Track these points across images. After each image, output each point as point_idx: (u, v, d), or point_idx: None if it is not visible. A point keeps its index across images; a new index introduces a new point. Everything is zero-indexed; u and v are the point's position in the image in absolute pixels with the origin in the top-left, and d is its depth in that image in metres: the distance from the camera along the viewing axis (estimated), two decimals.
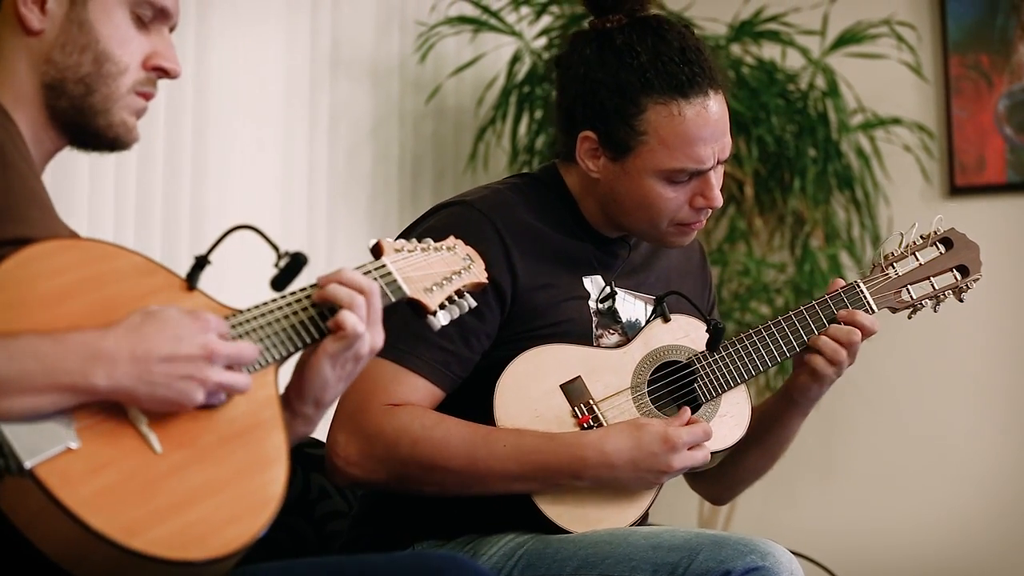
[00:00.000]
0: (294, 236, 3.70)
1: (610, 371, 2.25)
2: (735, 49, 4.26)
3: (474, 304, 1.92)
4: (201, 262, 1.68)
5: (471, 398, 2.19)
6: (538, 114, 4.19)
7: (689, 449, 2.18)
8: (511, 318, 2.22)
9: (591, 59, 2.25)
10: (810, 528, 4.28)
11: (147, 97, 1.81)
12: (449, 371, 2.18)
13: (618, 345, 2.29)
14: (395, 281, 1.82)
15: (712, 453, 2.23)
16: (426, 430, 2.14)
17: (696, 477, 2.51)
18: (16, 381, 1.46)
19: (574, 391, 2.22)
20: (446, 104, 4.30)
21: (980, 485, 4.28)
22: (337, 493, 2.42)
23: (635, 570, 2.05)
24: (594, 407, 2.22)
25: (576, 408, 2.21)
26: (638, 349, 2.28)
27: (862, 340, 2.28)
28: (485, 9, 4.19)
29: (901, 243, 2.37)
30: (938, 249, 2.38)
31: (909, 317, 2.39)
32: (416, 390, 2.16)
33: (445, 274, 1.90)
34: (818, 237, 4.26)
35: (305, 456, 2.36)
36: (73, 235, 1.76)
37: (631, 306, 2.35)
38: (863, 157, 4.27)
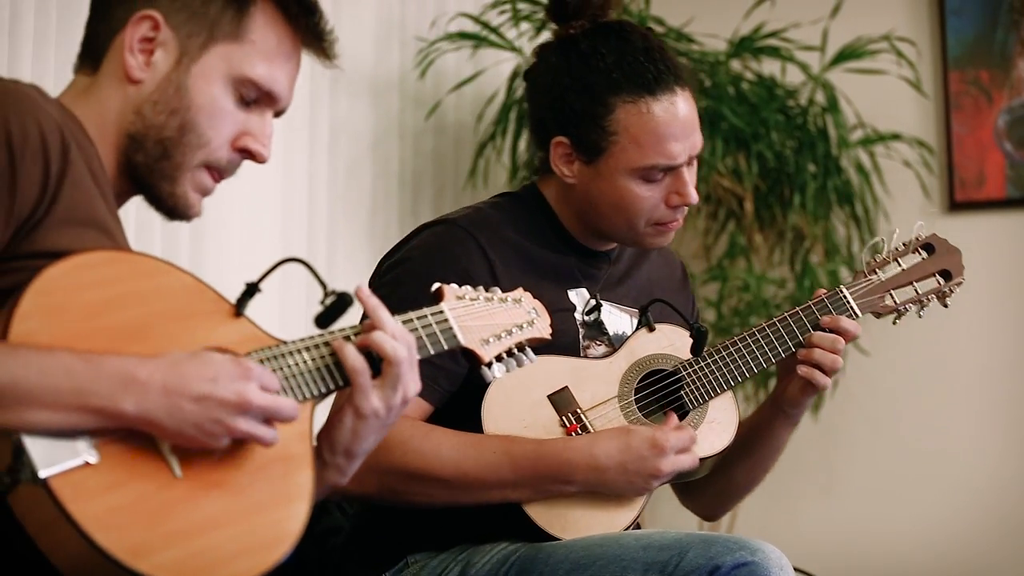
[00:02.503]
0: (294, 251, 3.69)
1: (597, 380, 2.26)
2: (735, 65, 4.27)
3: (534, 360, 1.91)
4: (251, 289, 1.68)
5: (459, 412, 2.20)
6: None
7: (677, 453, 2.19)
8: None
9: (557, 66, 2.29)
10: (811, 542, 4.26)
11: (218, 177, 1.79)
12: (438, 385, 2.19)
13: (604, 356, 2.31)
14: (451, 328, 1.81)
15: (701, 459, 2.24)
16: (416, 439, 2.15)
17: (687, 493, 2.52)
18: (44, 396, 1.46)
19: (562, 401, 2.23)
20: (446, 120, 4.30)
21: (980, 498, 4.27)
22: (336, 509, 2.41)
23: (626, 570, 2.06)
24: (582, 416, 2.23)
25: (564, 417, 2.22)
26: (624, 358, 2.30)
27: (845, 344, 2.31)
28: (485, 25, 4.19)
29: (883, 249, 2.39)
30: (920, 255, 2.40)
31: (894, 322, 2.41)
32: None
33: (506, 326, 1.89)
34: (818, 253, 4.26)
35: None
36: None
37: (616, 319, 2.37)
38: (863, 173, 4.27)
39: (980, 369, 4.34)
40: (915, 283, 2.40)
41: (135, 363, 1.51)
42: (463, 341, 1.82)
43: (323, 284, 1.71)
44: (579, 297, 2.34)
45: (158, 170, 1.75)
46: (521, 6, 4.22)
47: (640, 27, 2.32)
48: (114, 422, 1.50)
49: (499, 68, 4.32)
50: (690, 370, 2.30)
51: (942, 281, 2.41)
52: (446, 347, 1.80)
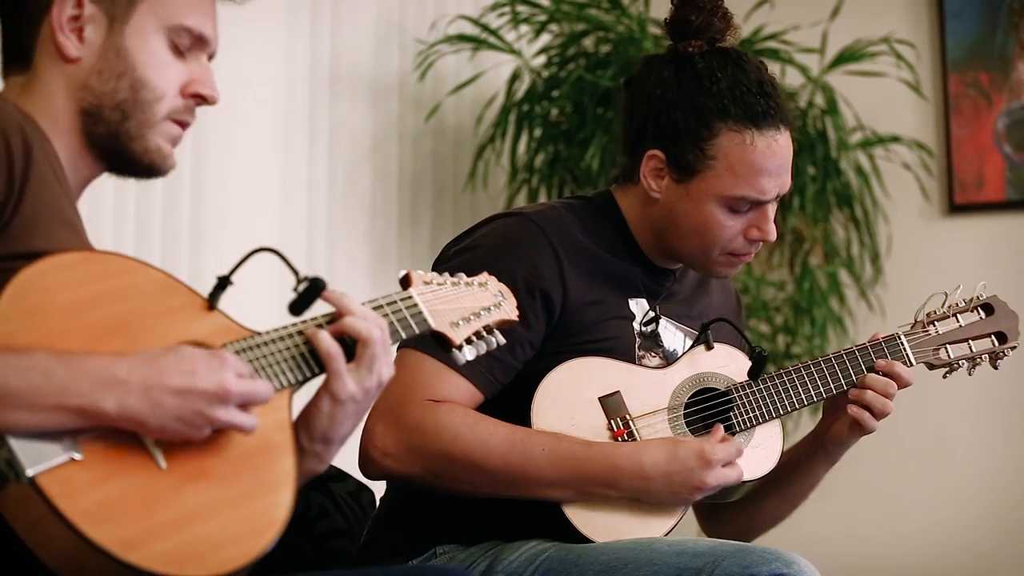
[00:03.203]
0: (293, 253, 3.67)
1: (649, 390, 2.27)
2: None
3: (503, 342, 1.93)
4: (223, 282, 1.69)
5: (509, 404, 2.21)
6: (537, 132, 4.19)
7: (723, 467, 2.20)
8: (557, 330, 2.25)
9: (669, 81, 2.29)
10: (809, 543, 4.25)
11: (183, 125, 1.82)
12: (492, 376, 2.20)
13: (660, 367, 2.32)
14: (420, 313, 1.82)
15: (742, 481, 2.25)
16: (467, 427, 2.16)
17: (711, 518, 2.52)
18: (24, 397, 1.47)
19: (612, 405, 2.24)
20: (445, 122, 4.30)
21: (979, 499, 4.27)
22: (337, 511, 2.41)
23: (658, 574, 2.06)
24: (630, 422, 2.24)
25: (612, 421, 2.23)
26: (679, 372, 2.31)
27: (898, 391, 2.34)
28: (484, 27, 4.19)
29: (944, 303, 2.41)
30: (979, 314, 2.42)
31: (944, 376, 2.43)
32: (458, 390, 2.18)
33: (474, 309, 1.90)
34: (817, 255, 4.26)
35: None
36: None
37: (672, 335, 2.38)
38: (862, 175, 4.27)
39: (979, 370, 4.33)
40: (970, 341, 2.42)
41: (114, 361, 1.52)
42: (433, 325, 1.83)
43: (295, 271, 1.72)
44: (639, 307, 2.34)
45: (123, 133, 1.78)
46: (520, 8, 4.22)
47: (756, 59, 2.35)
48: (96, 421, 1.50)
49: (498, 70, 4.32)
50: (742, 393, 2.31)
51: (997, 343, 2.42)
52: (417, 331, 1.81)
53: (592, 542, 2.17)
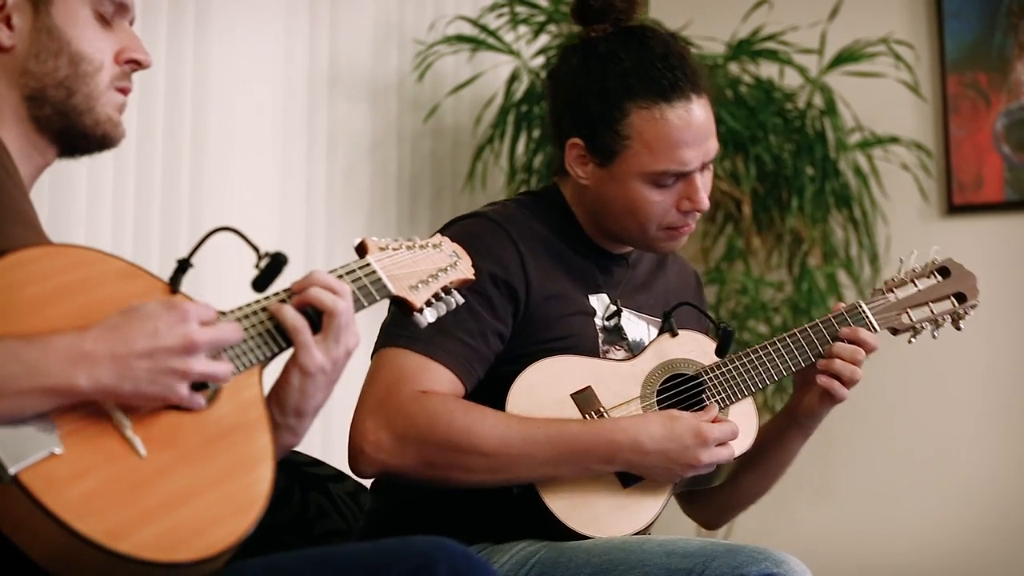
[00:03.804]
0: (292, 254, 3.68)
1: (620, 382, 2.28)
2: (733, 68, 4.27)
3: (461, 301, 1.93)
4: (183, 265, 1.70)
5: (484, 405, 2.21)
6: (536, 133, 4.19)
7: (717, 446, 2.22)
8: (522, 326, 2.25)
9: (577, 68, 2.31)
10: (807, 544, 4.26)
11: (125, 92, 1.84)
12: (471, 366, 2.21)
13: (627, 359, 2.33)
14: (380, 280, 1.83)
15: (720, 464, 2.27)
16: (460, 412, 2.17)
17: (692, 501, 2.53)
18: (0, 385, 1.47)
19: (584, 400, 2.25)
20: (444, 123, 4.30)
21: (977, 500, 4.27)
22: (335, 511, 2.41)
23: (648, 575, 2.06)
24: (604, 414, 2.25)
25: (587, 415, 2.24)
26: (647, 362, 2.32)
27: (865, 356, 2.34)
28: (483, 28, 4.19)
29: (900, 270, 2.44)
30: (936, 278, 2.45)
31: (910, 341, 2.44)
32: (442, 381, 2.19)
33: (431, 271, 1.91)
34: (816, 256, 4.26)
35: (304, 475, 2.36)
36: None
37: (635, 326, 2.39)
38: (861, 176, 4.27)
39: (978, 371, 4.34)
40: (931, 304, 2.44)
41: (79, 337, 1.52)
42: (393, 290, 1.84)
43: (255, 248, 1.73)
44: (599, 302, 2.36)
45: (72, 109, 1.79)
46: (519, 9, 4.22)
47: (664, 32, 2.34)
48: (70, 398, 1.51)
49: (497, 71, 4.33)
50: (712, 375, 2.32)
51: (956, 303, 2.44)
52: (378, 298, 1.82)
53: (578, 534, 2.18)
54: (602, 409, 2.24)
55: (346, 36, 3.98)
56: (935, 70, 4.41)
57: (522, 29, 4.25)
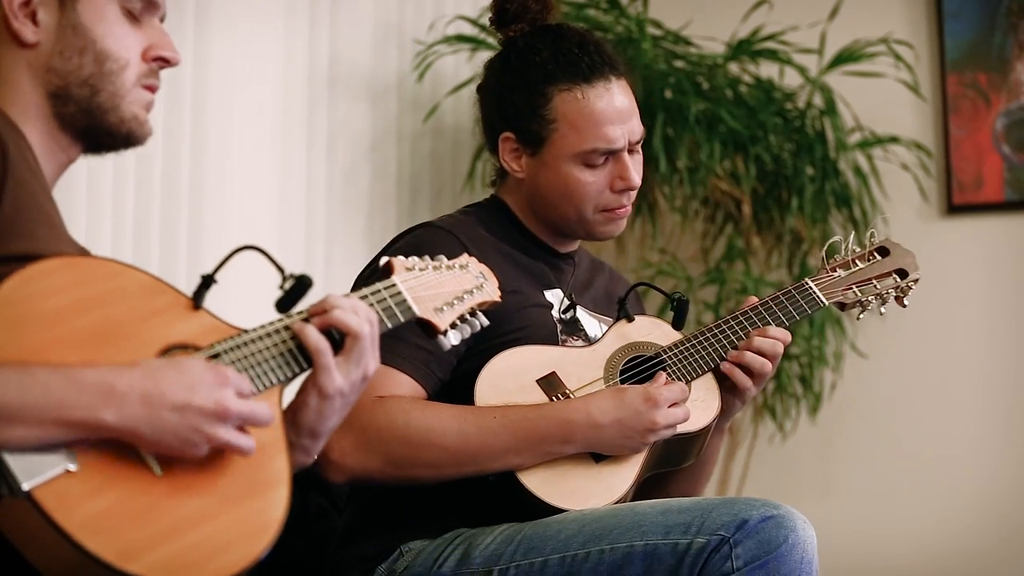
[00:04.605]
0: (291, 254, 3.69)
1: (582, 366, 2.33)
2: (733, 67, 4.26)
3: (487, 323, 1.94)
4: (207, 281, 1.69)
5: (449, 402, 2.24)
6: None
7: (670, 407, 2.26)
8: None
9: (499, 67, 2.44)
10: None
11: (152, 89, 1.82)
12: (429, 369, 2.25)
13: (586, 346, 2.38)
14: (405, 301, 1.82)
15: (688, 434, 2.31)
16: (417, 410, 2.20)
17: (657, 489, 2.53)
18: (24, 413, 1.46)
19: (550, 385, 2.29)
20: (444, 123, 4.30)
21: (977, 501, 4.27)
22: (335, 511, 2.41)
23: (646, 534, 2.09)
24: (570, 396, 2.28)
25: (553, 398, 2.27)
26: (606, 346, 2.37)
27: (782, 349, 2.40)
28: (483, 28, 4.19)
29: (843, 250, 2.53)
30: (875, 258, 2.54)
31: (858, 317, 2.53)
32: (401, 386, 2.22)
33: (457, 293, 1.91)
34: (816, 256, 4.26)
35: (302, 475, 2.36)
36: (82, 252, 1.75)
37: (589, 323, 2.45)
38: (861, 175, 4.27)
39: (978, 371, 4.34)
40: (875, 281, 2.52)
41: (113, 374, 1.51)
42: (418, 312, 1.84)
43: (280, 269, 1.72)
44: (555, 297, 2.42)
45: (96, 107, 1.77)
46: None
47: (578, 27, 2.46)
48: (94, 433, 1.50)
49: None
50: (671, 353, 2.37)
51: (899, 279, 2.53)
52: (402, 319, 1.81)
53: (556, 508, 2.20)
54: (568, 391, 2.28)
55: (346, 36, 3.98)
56: (935, 70, 4.41)
57: None
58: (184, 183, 3.38)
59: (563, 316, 2.40)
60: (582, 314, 2.44)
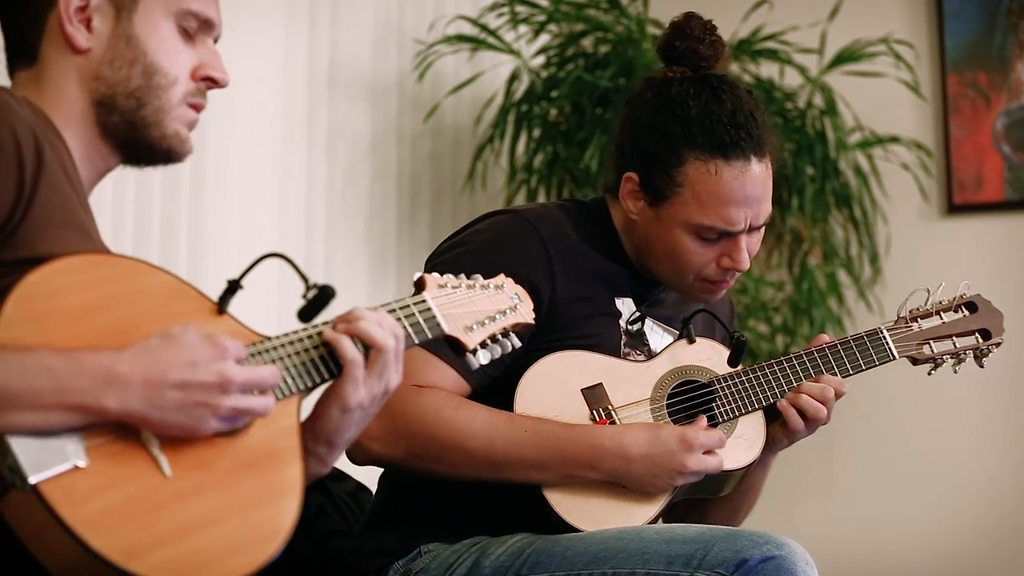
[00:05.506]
0: (291, 254, 3.68)
1: (631, 382, 2.29)
2: (733, 67, 4.26)
3: (519, 344, 1.92)
4: (233, 286, 1.67)
5: (493, 398, 2.22)
6: (536, 132, 4.19)
7: (704, 454, 2.21)
8: (544, 325, 2.24)
9: (648, 104, 2.32)
10: (809, 543, 4.25)
11: (197, 108, 1.82)
12: (482, 368, 2.20)
13: (642, 362, 2.33)
14: (434, 317, 1.81)
15: (726, 471, 2.26)
16: (449, 409, 2.18)
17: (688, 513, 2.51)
18: (25, 397, 1.46)
19: (594, 396, 2.25)
20: (444, 122, 4.29)
21: (978, 500, 4.27)
22: (336, 511, 2.41)
23: (648, 562, 2.07)
24: (612, 413, 2.25)
25: (594, 412, 2.24)
26: (661, 365, 2.32)
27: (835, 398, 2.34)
28: (483, 28, 4.19)
29: (927, 300, 2.41)
30: (962, 312, 2.43)
31: (929, 373, 2.43)
32: (445, 378, 2.20)
33: (489, 312, 1.89)
34: (816, 255, 4.26)
35: None
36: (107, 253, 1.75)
37: (658, 337, 2.39)
38: (861, 175, 4.26)
39: (978, 371, 4.33)
40: (954, 338, 2.42)
41: (114, 357, 1.51)
42: (447, 329, 1.82)
43: (304, 278, 1.71)
44: (625, 306, 2.36)
45: (139, 120, 1.77)
46: (519, 9, 4.22)
47: (740, 87, 2.33)
48: (98, 418, 1.50)
49: (497, 71, 4.32)
50: (724, 384, 2.32)
51: (981, 340, 2.44)
52: (430, 336, 1.80)
53: (574, 528, 2.18)
54: (610, 407, 2.25)
55: (346, 36, 3.98)
56: (935, 70, 4.41)
57: (522, 29, 4.25)
58: (184, 182, 3.38)
59: (630, 327, 2.35)
60: (655, 329, 2.39)
